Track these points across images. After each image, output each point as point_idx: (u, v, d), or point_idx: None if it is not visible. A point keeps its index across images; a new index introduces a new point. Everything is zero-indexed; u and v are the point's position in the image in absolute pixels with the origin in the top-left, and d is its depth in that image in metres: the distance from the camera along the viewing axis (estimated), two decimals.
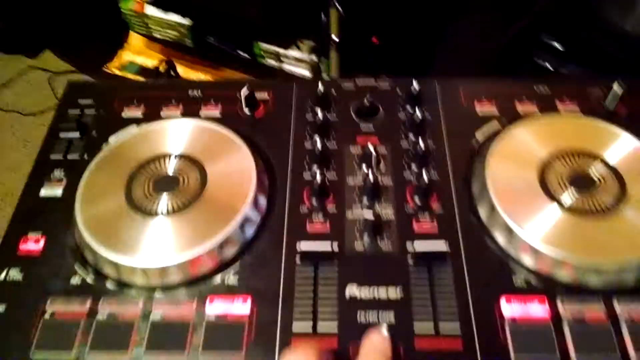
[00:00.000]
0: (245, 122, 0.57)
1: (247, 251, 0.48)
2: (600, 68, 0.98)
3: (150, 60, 1.72)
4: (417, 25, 1.25)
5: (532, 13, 1.02)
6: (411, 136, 0.55)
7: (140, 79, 1.53)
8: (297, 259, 0.47)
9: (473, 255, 0.47)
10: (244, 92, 0.56)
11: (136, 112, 0.59)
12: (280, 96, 0.60)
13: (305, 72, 1.48)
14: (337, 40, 1.24)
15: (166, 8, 1.55)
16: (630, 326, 0.43)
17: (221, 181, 0.51)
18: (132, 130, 0.56)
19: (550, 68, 1.00)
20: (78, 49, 1.76)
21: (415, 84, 0.57)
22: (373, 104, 0.58)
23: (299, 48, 1.48)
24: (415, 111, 0.56)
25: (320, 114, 0.55)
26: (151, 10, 1.58)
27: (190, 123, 0.55)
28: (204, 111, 0.59)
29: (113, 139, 0.55)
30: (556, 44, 1.01)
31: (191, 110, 0.59)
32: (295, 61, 1.47)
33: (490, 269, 0.47)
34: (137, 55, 1.76)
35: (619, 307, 0.44)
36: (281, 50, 1.48)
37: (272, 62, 1.51)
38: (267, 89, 0.60)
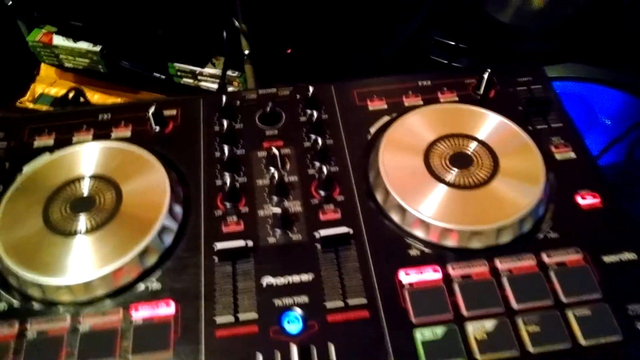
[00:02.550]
0: (156, 139, 0.61)
1: (167, 258, 0.52)
2: (489, 59, 1.08)
3: (64, 90, 1.69)
4: (327, 33, 1.32)
5: (422, 12, 1.10)
6: (312, 136, 0.61)
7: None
8: (216, 259, 0.51)
9: (373, 235, 0.53)
10: (151, 110, 0.60)
11: (47, 141, 0.61)
12: (187, 111, 0.63)
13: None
14: (247, 53, 1.29)
15: (75, 37, 1.54)
16: (510, 278, 0.49)
17: (136, 196, 0.54)
18: (45, 157, 0.58)
19: (445, 63, 1.09)
20: None
21: (311, 89, 0.62)
22: (275, 110, 0.63)
23: (214, 65, 1.52)
24: (313, 113, 0.61)
25: (226, 124, 0.60)
26: (59, 40, 1.56)
27: (101, 145, 0.58)
28: (115, 133, 0.61)
29: (26, 168, 0.57)
30: (447, 41, 1.10)
31: (102, 134, 0.61)
32: (212, 78, 1.50)
33: (389, 245, 0.52)
34: (49, 86, 1.73)
35: (499, 263, 0.50)
36: (197, 69, 1.51)
37: (188, 80, 1.53)
38: (175, 105, 0.64)
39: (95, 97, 1.60)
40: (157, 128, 0.61)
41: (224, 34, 1.14)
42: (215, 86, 1.53)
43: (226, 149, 0.58)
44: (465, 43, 1.08)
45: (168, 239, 0.52)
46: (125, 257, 0.49)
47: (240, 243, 0.51)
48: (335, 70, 1.37)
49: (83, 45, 1.57)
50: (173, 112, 0.63)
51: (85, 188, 0.55)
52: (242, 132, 0.61)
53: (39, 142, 0.61)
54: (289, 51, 1.42)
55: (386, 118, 0.62)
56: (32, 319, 0.48)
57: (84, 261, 0.49)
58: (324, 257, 0.51)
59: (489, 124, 0.59)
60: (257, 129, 0.62)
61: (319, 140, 0.58)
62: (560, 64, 0.95)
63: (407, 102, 0.64)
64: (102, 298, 0.49)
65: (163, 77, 1.55)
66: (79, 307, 0.49)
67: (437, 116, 0.61)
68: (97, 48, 1.54)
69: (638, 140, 0.91)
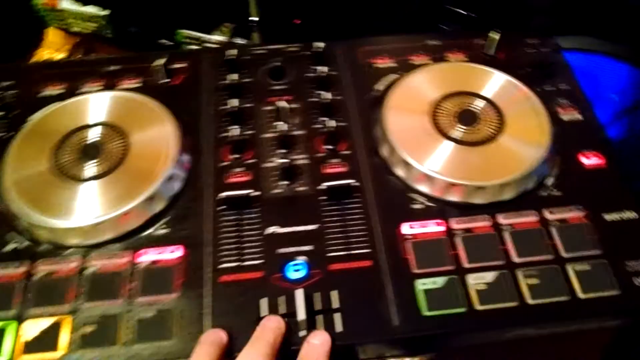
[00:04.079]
0: (165, 91, 0.61)
1: (174, 205, 0.52)
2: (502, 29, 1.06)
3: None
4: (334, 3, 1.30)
5: None
6: (319, 92, 0.61)
7: None
8: (221, 207, 0.52)
9: (378, 189, 0.53)
10: (160, 61, 0.60)
11: (57, 90, 0.61)
12: (196, 64, 0.63)
13: None
14: (256, 20, 1.28)
15: (82, 0, 1.53)
16: (511, 232, 0.50)
17: (145, 144, 0.55)
18: (55, 105, 0.58)
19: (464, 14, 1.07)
20: None
21: (317, 45, 0.62)
22: (282, 65, 0.63)
23: (221, 32, 1.51)
24: (322, 69, 0.61)
25: (233, 77, 0.60)
26: (66, 4, 1.55)
27: (109, 94, 0.59)
28: (124, 84, 0.62)
29: (37, 115, 0.58)
30: (459, 10, 1.09)
31: (111, 84, 0.62)
32: (218, 45, 1.49)
33: (394, 199, 0.53)
34: (55, 52, 1.73)
35: (501, 218, 0.51)
36: (203, 35, 1.50)
37: (195, 47, 1.52)
38: (183, 58, 0.64)
39: None
40: (166, 80, 0.61)
41: None
42: None
43: (233, 101, 0.58)
44: (475, 12, 1.07)
45: (176, 186, 0.53)
46: (133, 202, 0.50)
47: (243, 192, 0.51)
48: (344, 40, 1.36)
49: (91, 9, 1.57)
50: (181, 65, 0.63)
51: (93, 135, 0.55)
52: (250, 86, 0.62)
53: (48, 91, 0.61)
54: (297, 22, 1.41)
55: (393, 76, 0.62)
56: (41, 261, 0.49)
57: (92, 205, 0.50)
58: (328, 208, 0.52)
59: (497, 83, 0.59)
60: (265, 83, 0.62)
61: (326, 96, 0.59)
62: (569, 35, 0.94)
63: (415, 60, 0.64)
64: (110, 242, 0.50)
65: (170, 43, 1.55)
66: (87, 250, 0.49)
67: (445, 74, 0.61)
68: (105, 12, 1.53)
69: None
